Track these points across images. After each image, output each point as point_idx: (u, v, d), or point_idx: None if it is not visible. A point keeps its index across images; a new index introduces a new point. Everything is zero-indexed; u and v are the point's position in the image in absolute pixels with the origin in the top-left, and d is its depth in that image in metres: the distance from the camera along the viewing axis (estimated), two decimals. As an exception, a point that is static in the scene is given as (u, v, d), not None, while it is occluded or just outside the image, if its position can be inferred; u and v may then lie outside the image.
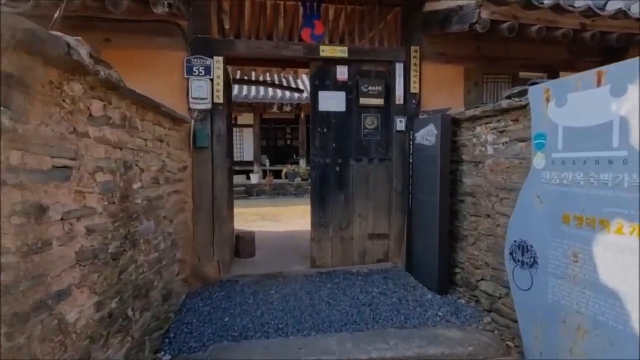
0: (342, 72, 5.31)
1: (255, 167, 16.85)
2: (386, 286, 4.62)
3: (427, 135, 4.54)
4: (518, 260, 3.01)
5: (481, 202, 4.01)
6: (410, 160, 5.05)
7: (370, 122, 5.36)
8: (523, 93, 3.25)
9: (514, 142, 3.49)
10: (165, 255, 3.56)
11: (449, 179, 4.36)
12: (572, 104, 2.58)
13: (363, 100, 5.31)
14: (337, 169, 5.30)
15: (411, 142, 5.03)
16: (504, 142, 3.64)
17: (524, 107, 3.32)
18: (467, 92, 5.47)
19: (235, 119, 18.59)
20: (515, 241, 3.05)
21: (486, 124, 3.91)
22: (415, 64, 5.25)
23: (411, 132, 5.04)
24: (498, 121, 3.72)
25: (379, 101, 5.34)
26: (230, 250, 5.48)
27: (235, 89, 15.95)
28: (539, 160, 2.84)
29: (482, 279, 3.96)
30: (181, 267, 4.34)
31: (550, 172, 2.73)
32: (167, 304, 3.63)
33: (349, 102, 5.31)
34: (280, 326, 3.74)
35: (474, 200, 4.12)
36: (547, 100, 2.78)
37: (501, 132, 3.68)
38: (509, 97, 3.44)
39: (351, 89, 5.32)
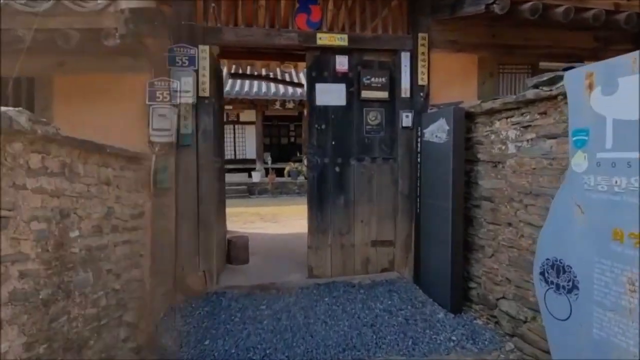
0: (341, 63, 4.79)
1: (258, 165, 16.26)
2: (391, 301, 4.11)
3: (437, 131, 4.02)
4: (552, 283, 2.49)
5: (501, 208, 3.48)
6: (418, 160, 4.52)
7: (373, 117, 4.84)
8: (555, 80, 2.72)
9: (542, 139, 2.96)
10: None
11: (463, 181, 3.83)
12: (625, 90, 2.04)
13: (365, 94, 4.78)
14: (337, 169, 4.79)
15: (419, 140, 4.51)
16: (529, 139, 3.11)
17: (555, 98, 2.79)
18: (481, 84, 4.93)
19: (237, 116, 17.85)
20: (547, 259, 2.53)
21: (507, 118, 3.38)
22: (423, 53, 4.72)
23: (419, 129, 4.51)
24: (522, 115, 3.19)
25: (383, 94, 4.81)
26: (219, 257, 4.96)
27: (237, 85, 15.43)
28: (579, 162, 2.31)
29: (502, 298, 3.44)
30: (160, 279, 3.85)
31: (595, 177, 2.20)
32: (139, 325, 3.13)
33: (349, 95, 4.80)
34: (267, 351, 3.25)
35: (492, 205, 3.59)
36: (590, 87, 2.25)
37: (525, 127, 3.15)
38: (536, 86, 2.91)
39: (352, 81, 4.80)
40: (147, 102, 3.97)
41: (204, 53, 4.34)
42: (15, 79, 3.79)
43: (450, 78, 4.82)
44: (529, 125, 3.10)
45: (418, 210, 4.56)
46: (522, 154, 3.20)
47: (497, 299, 3.50)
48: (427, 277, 4.35)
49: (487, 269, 3.67)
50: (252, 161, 16.93)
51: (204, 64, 4.34)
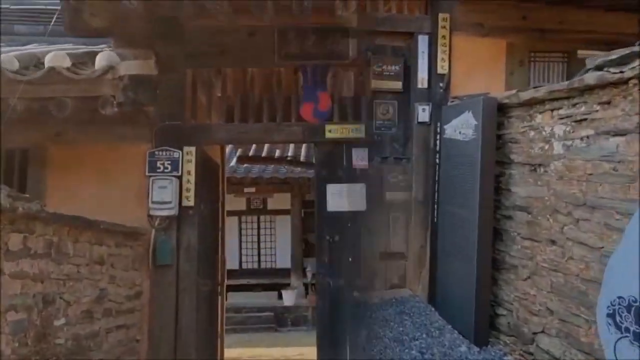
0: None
1: (293, 279, 10.71)
2: (403, 328, 3.48)
3: (462, 127, 3.39)
4: (626, 330, 1.85)
5: (541, 222, 2.85)
6: (437, 161, 3.90)
7: (383, 110, 4.20)
8: (629, 58, 2.08)
9: (604, 137, 2.32)
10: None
11: (493, 187, 3.21)
12: None
13: (376, 83, 4.14)
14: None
15: (438, 137, 3.89)
16: (584, 136, 2.48)
17: (626, 83, 2.15)
18: (509, 74, 4.30)
19: (264, 202, 12.00)
20: (621, 298, 1.90)
21: (553, 110, 2.74)
22: (444, 37, 4.07)
23: (438, 124, 3.89)
24: (574, 106, 2.55)
25: (396, 84, 4.16)
26: None
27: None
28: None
29: (542, 332, 2.80)
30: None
31: None
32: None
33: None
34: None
35: (529, 217, 2.97)
36: (696, 62, 1.60)
37: (579, 121, 2.52)
38: (599, 68, 2.27)
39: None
40: (147, 174, 3.63)
41: (189, 155, 3.75)
42: (8, 151, 3.68)
43: (474, 67, 4.18)
44: (585, 119, 2.46)
45: (435, 219, 3.94)
46: (572, 155, 2.56)
47: (535, 333, 2.87)
48: (445, 297, 3.73)
49: (521, 294, 3.04)
50: (285, 272, 11.19)
51: (189, 168, 3.75)
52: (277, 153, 9.05)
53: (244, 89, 4.21)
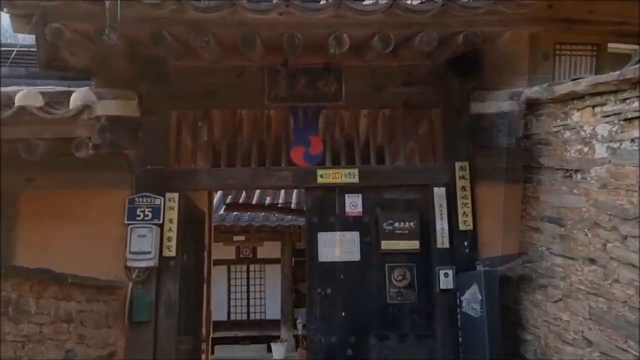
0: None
1: (283, 332, 9.92)
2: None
3: (472, 300, 3.07)
4: None
5: (577, 236, 2.48)
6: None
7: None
8: None
9: (664, 139, 1.94)
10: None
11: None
12: None
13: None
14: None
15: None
16: (635, 137, 2.11)
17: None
18: (532, 68, 3.89)
19: (254, 251, 11.50)
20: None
21: (594, 107, 2.38)
22: (461, 27, 3.71)
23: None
24: (623, 101, 2.18)
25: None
26: None
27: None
28: None
29: (577, 366, 2.42)
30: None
31: None
32: None
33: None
34: None
35: (562, 231, 2.61)
36: None
37: (629, 120, 2.15)
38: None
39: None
40: (125, 222, 3.35)
41: (171, 202, 3.46)
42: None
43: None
44: (637, 117, 2.09)
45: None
46: (620, 160, 2.19)
47: (569, 366, 2.49)
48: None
49: (551, 319, 2.68)
50: (274, 324, 10.49)
51: (171, 215, 3.45)
52: (268, 200, 8.80)
53: (232, 131, 3.88)
